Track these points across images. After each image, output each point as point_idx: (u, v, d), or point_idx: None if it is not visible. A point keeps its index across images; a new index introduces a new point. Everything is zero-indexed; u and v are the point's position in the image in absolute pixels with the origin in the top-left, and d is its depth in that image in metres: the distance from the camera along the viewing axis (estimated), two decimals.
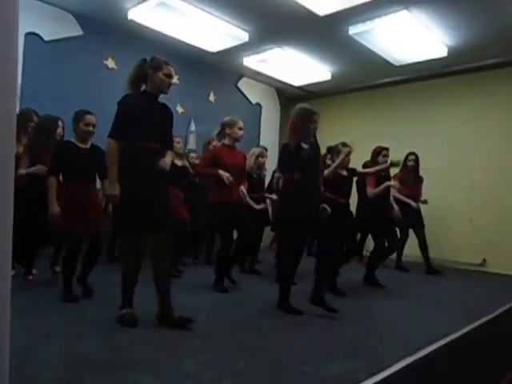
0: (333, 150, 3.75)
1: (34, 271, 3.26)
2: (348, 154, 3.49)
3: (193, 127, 5.97)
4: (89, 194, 2.89)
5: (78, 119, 2.86)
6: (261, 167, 4.36)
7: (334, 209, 3.37)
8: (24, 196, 3.07)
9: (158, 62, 2.43)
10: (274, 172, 4.53)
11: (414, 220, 4.92)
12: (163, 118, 2.49)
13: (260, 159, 4.28)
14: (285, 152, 2.90)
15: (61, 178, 2.94)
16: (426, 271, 4.87)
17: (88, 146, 2.93)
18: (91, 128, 2.88)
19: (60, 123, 3.22)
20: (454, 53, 5.22)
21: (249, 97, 6.93)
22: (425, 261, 4.93)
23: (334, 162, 3.60)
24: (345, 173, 3.65)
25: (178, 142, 3.97)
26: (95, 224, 2.87)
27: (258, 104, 7.09)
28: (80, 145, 2.89)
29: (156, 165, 2.36)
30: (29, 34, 4.54)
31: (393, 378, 1.77)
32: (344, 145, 3.57)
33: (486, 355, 2.69)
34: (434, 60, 5.44)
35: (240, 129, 3.42)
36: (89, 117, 2.86)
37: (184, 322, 2.29)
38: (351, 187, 3.81)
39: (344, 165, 3.59)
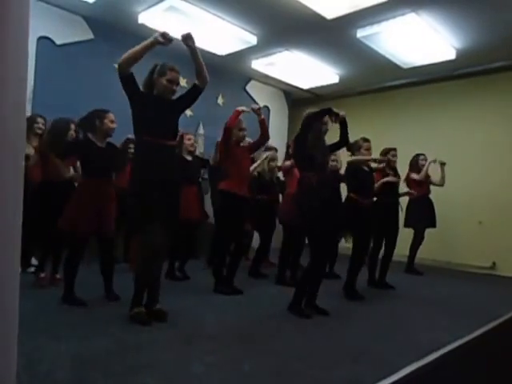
0: (353, 146, 3.58)
1: (59, 276, 3.27)
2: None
3: (201, 130, 5.99)
4: (106, 194, 2.87)
5: (102, 117, 2.84)
6: (272, 170, 4.38)
7: (357, 210, 3.39)
8: (37, 197, 3.13)
9: (164, 67, 2.48)
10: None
11: (429, 222, 4.98)
12: (173, 112, 2.54)
13: (272, 163, 4.30)
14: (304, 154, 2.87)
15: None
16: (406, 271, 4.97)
17: (104, 144, 2.91)
18: (115, 125, 2.89)
19: (72, 126, 3.24)
20: (462, 55, 5.18)
21: (257, 100, 6.93)
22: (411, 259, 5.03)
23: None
24: (366, 168, 3.63)
25: (190, 139, 3.94)
26: (109, 224, 2.86)
27: (266, 107, 7.10)
28: (99, 143, 2.87)
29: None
30: (41, 38, 4.61)
31: (401, 382, 1.75)
32: (365, 140, 3.54)
33: (499, 360, 2.65)
34: (443, 63, 5.39)
35: (240, 130, 3.41)
36: (111, 114, 2.88)
37: (160, 315, 2.42)
38: (373, 184, 3.74)
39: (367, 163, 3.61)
